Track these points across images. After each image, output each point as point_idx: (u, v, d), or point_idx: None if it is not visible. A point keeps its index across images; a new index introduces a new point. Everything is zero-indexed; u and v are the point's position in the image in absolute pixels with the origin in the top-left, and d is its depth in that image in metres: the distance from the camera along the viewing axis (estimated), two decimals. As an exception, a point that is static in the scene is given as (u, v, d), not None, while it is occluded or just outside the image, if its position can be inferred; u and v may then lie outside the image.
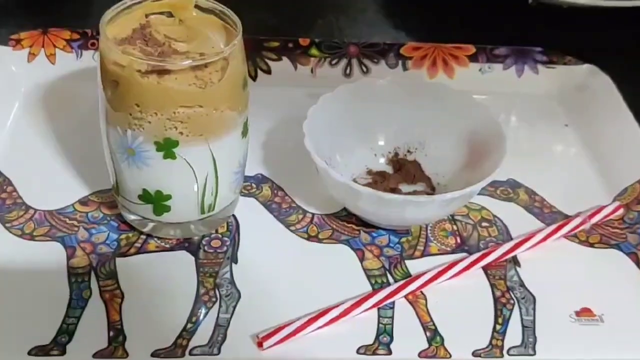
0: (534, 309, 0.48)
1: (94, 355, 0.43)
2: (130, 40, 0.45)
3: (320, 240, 0.52)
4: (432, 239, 0.52)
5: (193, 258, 0.49)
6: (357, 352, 0.45)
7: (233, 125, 0.46)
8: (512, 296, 0.49)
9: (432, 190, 0.55)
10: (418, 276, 0.49)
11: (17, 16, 0.68)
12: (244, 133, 0.48)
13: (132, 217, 0.50)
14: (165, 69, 0.42)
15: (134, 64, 0.42)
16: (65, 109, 0.60)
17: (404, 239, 0.52)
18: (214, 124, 0.44)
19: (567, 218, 0.54)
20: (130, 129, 0.44)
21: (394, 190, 0.54)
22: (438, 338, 0.46)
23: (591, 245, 0.53)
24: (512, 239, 0.53)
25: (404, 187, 0.55)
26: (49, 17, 0.69)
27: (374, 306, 0.47)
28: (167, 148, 0.44)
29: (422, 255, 0.51)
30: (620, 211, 0.55)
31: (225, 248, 0.50)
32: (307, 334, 0.45)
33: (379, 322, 0.47)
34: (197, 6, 0.47)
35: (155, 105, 0.43)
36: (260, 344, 0.44)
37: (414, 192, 0.55)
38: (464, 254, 0.51)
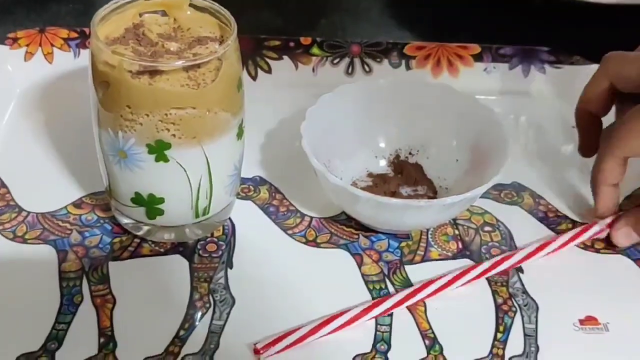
0: (536, 317, 0.47)
1: (84, 363, 0.43)
2: (122, 40, 0.44)
3: (318, 245, 0.51)
4: (432, 243, 0.51)
5: (187, 262, 0.48)
6: (354, 360, 0.44)
7: (227, 127, 0.45)
8: (514, 303, 0.48)
9: (434, 193, 0.54)
10: (419, 289, 0.47)
11: (14, 14, 0.68)
12: (239, 135, 0.47)
13: (126, 220, 0.49)
14: (157, 69, 0.41)
15: (125, 64, 0.41)
16: (61, 109, 0.59)
17: (403, 244, 0.51)
18: (207, 126, 0.43)
19: (575, 223, 0.53)
20: (122, 131, 0.43)
21: (395, 194, 0.53)
22: (437, 346, 0.45)
23: (597, 250, 0.52)
24: (514, 244, 0.51)
25: (405, 190, 0.54)
26: (46, 15, 0.68)
27: (372, 319, 0.46)
28: (159, 150, 0.43)
29: (422, 261, 0.50)
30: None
31: (220, 252, 0.49)
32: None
33: (376, 330, 0.46)
34: (192, 5, 0.46)
35: (146, 107, 0.42)
36: (257, 352, 0.43)
37: (415, 196, 0.53)
38: (466, 260, 0.50)
